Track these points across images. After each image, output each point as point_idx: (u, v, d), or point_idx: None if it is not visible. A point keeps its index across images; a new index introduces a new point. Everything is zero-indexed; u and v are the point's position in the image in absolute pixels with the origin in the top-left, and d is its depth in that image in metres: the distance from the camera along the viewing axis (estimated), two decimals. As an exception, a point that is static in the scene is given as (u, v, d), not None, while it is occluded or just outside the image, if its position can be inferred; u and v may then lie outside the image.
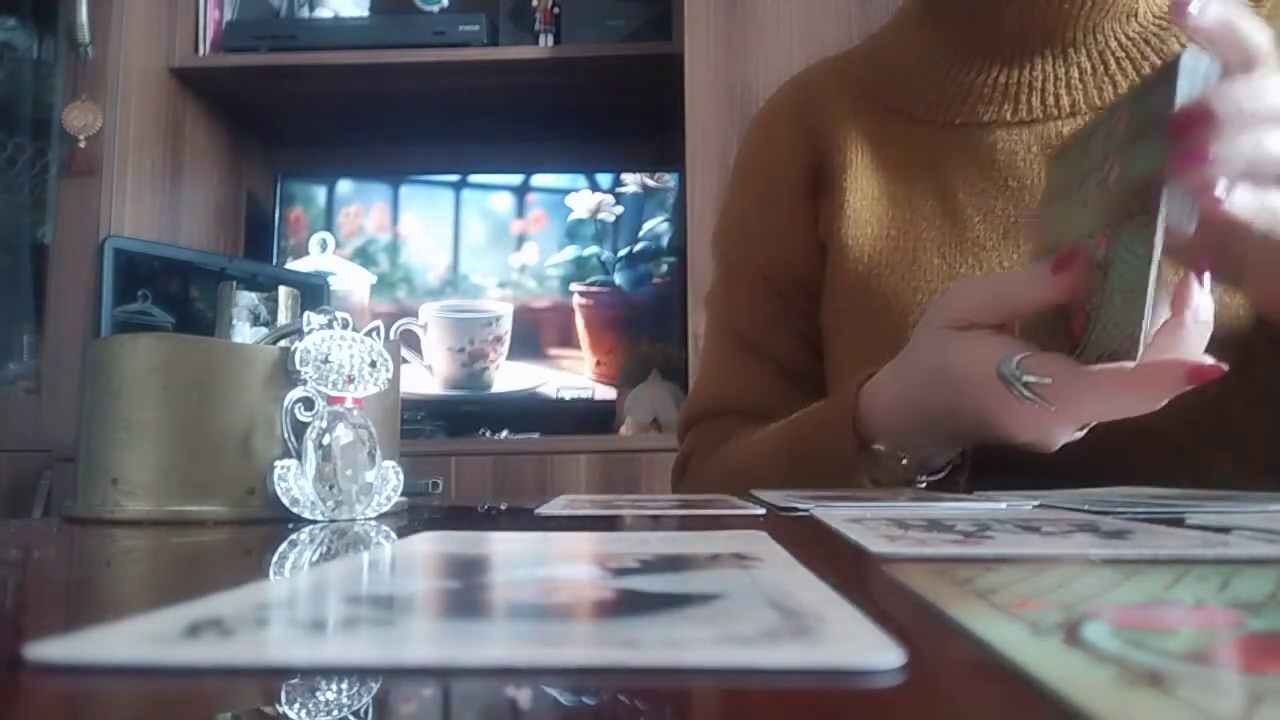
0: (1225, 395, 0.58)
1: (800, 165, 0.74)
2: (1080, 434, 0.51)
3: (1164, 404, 0.45)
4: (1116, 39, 0.66)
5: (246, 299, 0.50)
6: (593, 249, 1.91)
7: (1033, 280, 0.49)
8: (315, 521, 0.42)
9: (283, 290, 0.50)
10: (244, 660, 0.15)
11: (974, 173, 0.67)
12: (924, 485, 0.57)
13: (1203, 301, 0.44)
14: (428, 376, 1.87)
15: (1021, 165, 0.66)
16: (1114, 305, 0.43)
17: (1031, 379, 0.45)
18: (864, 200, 0.70)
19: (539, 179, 1.94)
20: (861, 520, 0.34)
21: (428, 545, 0.29)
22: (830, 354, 0.73)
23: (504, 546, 0.29)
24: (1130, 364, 0.42)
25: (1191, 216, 0.42)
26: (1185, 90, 0.41)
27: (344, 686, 0.14)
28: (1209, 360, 0.42)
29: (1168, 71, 0.42)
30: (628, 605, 0.19)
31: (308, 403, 0.43)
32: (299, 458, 0.42)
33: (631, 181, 1.92)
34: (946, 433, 0.54)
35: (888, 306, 0.67)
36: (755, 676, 0.14)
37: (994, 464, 0.58)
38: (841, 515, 0.36)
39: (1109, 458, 0.58)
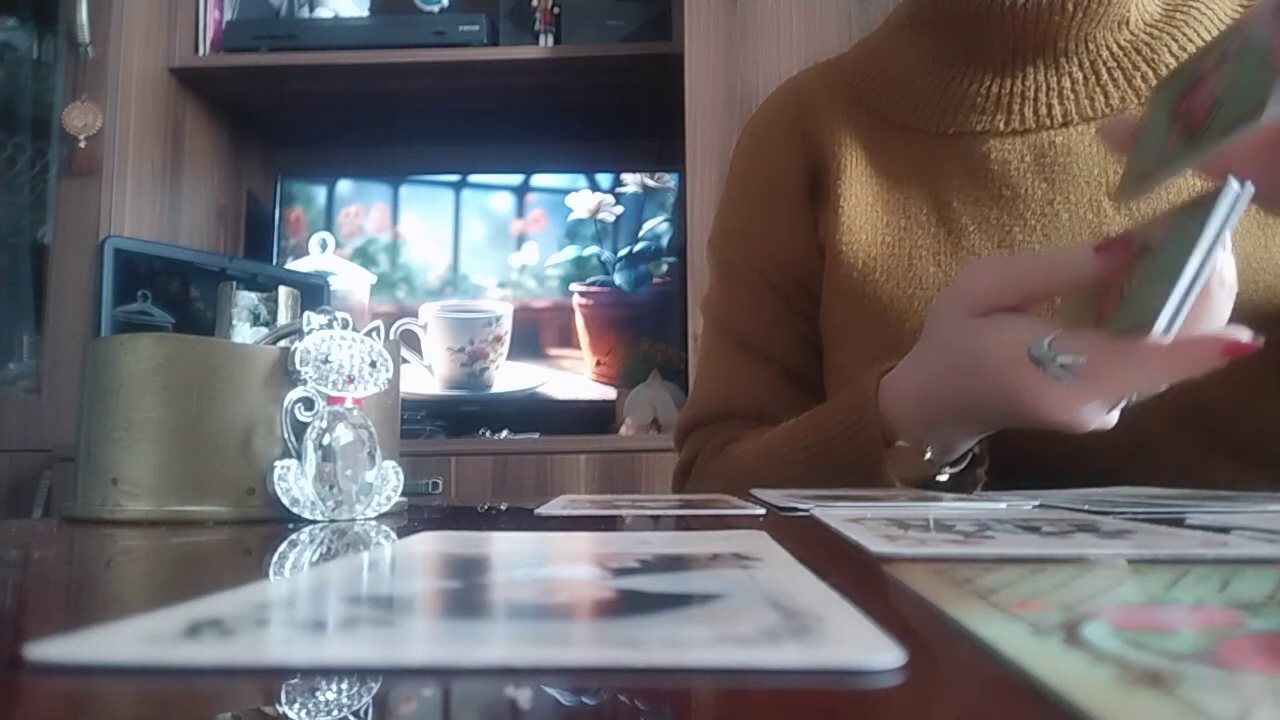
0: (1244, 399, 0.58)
1: (798, 169, 0.74)
2: (1114, 416, 0.49)
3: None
4: (1109, 48, 0.66)
5: (246, 299, 0.50)
6: (593, 249, 1.91)
7: (1075, 259, 0.47)
8: (315, 521, 0.42)
9: (283, 290, 0.50)
10: (244, 660, 0.15)
11: (968, 183, 0.67)
12: (945, 479, 0.56)
13: (1226, 264, 0.44)
14: (428, 376, 1.87)
15: (1015, 175, 0.66)
16: (1150, 282, 0.42)
17: (1067, 358, 0.45)
18: (858, 207, 0.70)
19: (539, 179, 1.94)
20: (861, 520, 0.34)
21: (428, 545, 0.29)
22: (828, 358, 0.73)
23: (504, 546, 0.29)
24: (1150, 339, 0.42)
25: None
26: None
27: (344, 686, 0.14)
28: (1245, 335, 0.41)
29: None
30: (628, 605, 0.19)
31: (308, 403, 0.43)
32: (299, 458, 0.42)
33: (631, 181, 1.92)
34: (973, 423, 0.53)
35: (884, 313, 0.66)
36: (755, 676, 0.14)
37: (994, 465, 0.58)
38: (841, 515, 0.36)
39: (1107, 462, 0.58)
